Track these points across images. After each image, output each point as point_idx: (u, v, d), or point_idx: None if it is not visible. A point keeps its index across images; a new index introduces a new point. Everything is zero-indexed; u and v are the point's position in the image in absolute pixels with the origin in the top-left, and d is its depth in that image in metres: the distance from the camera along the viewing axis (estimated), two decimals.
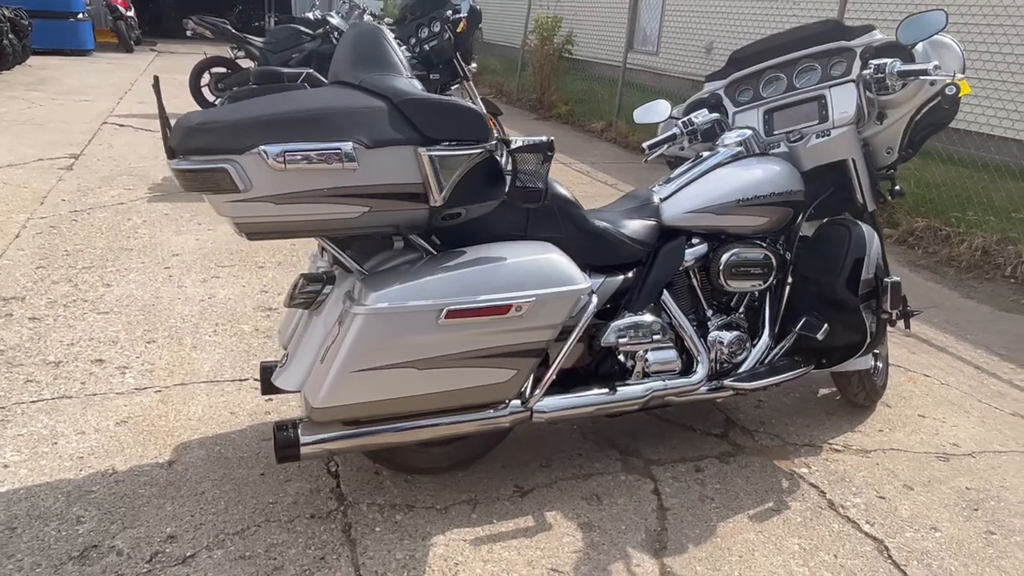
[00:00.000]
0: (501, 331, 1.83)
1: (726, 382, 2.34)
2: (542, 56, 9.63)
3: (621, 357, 2.21)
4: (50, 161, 5.48)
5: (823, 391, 2.94)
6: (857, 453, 2.52)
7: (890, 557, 2.03)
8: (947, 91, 2.25)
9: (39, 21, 11.17)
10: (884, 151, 2.50)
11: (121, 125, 7.05)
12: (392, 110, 1.67)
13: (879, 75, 2.31)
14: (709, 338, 2.34)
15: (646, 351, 2.21)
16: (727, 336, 2.35)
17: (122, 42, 13.94)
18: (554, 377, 2.05)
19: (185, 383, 2.63)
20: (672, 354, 2.25)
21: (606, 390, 2.16)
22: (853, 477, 2.38)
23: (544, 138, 1.81)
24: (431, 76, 5.60)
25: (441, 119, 1.69)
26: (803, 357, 2.48)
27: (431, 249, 1.93)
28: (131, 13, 14.33)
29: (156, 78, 1.61)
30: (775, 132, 2.51)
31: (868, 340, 2.36)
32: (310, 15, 7.85)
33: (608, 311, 2.22)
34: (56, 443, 2.23)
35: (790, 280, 2.47)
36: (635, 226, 2.25)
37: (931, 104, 2.35)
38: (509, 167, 1.82)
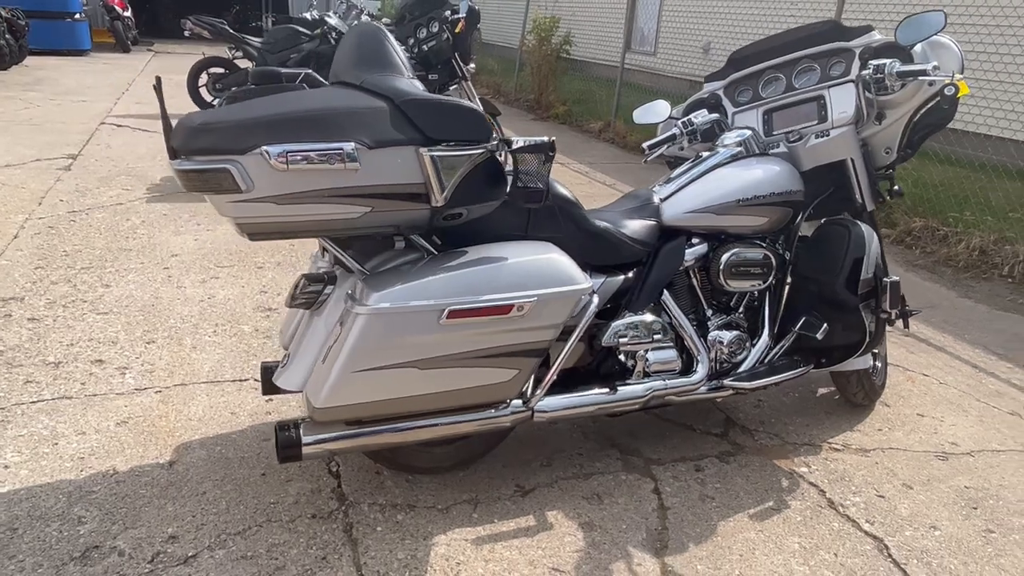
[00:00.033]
0: (503, 331, 1.84)
1: (726, 381, 2.34)
2: (540, 56, 9.64)
3: (622, 357, 2.22)
4: (48, 161, 5.47)
5: (822, 390, 2.95)
6: (856, 452, 2.53)
7: (890, 556, 2.04)
8: (946, 91, 2.26)
9: (36, 21, 11.15)
10: (883, 151, 2.50)
11: (119, 125, 7.04)
12: (394, 110, 1.67)
13: (878, 75, 2.32)
14: (709, 338, 2.35)
15: (646, 351, 2.22)
16: (727, 336, 2.36)
17: (119, 42, 13.92)
18: (555, 377, 2.06)
19: (185, 383, 2.63)
20: (672, 354, 2.26)
21: (607, 390, 2.17)
22: (853, 476, 2.39)
23: (545, 138, 1.82)
24: (429, 76, 5.60)
25: (443, 119, 1.70)
26: (803, 357, 2.48)
27: (432, 249, 1.94)
28: (128, 13, 14.30)
29: (158, 79, 1.61)
30: (774, 132, 2.52)
31: (867, 340, 2.37)
32: (307, 15, 7.85)
33: (608, 311, 2.22)
34: (57, 444, 2.23)
35: (789, 280, 2.48)
36: (635, 226, 2.25)
37: (930, 104, 2.35)
38: (510, 167, 1.83)
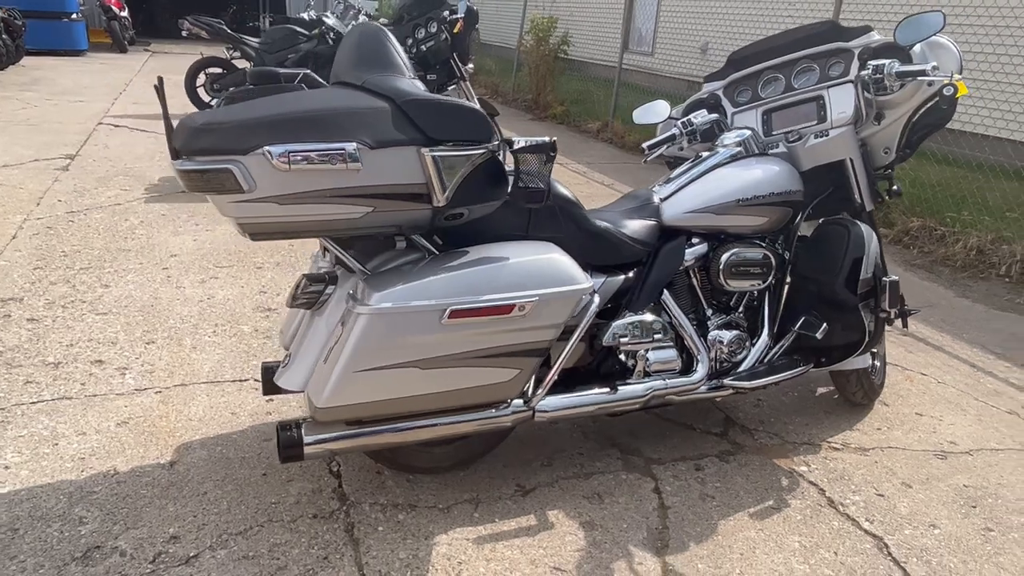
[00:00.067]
0: (504, 331, 1.84)
1: (726, 381, 2.35)
2: (538, 57, 9.65)
3: (622, 356, 2.22)
4: (46, 162, 5.46)
5: (821, 390, 2.96)
6: (856, 451, 2.54)
7: (890, 554, 2.05)
8: (945, 91, 2.27)
9: (32, 21, 11.13)
10: (882, 151, 2.51)
11: (116, 126, 7.03)
12: (395, 111, 1.67)
13: (877, 76, 2.33)
14: (709, 337, 2.36)
15: (647, 350, 2.22)
16: (727, 335, 2.37)
17: (116, 42, 13.90)
18: (556, 377, 2.06)
19: (185, 384, 2.63)
20: (672, 353, 2.26)
21: (607, 389, 2.17)
22: (852, 475, 2.40)
23: (546, 138, 1.82)
24: (428, 77, 5.61)
25: (444, 120, 1.70)
26: (802, 356, 2.49)
27: (433, 249, 1.94)
28: (125, 13, 14.29)
29: (160, 79, 1.61)
30: (774, 132, 2.53)
31: (867, 339, 2.38)
32: (305, 15, 7.85)
33: (609, 311, 2.23)
34: (57, 444, 2.23)
35: (789, 279, 2.48)
36: (635, 226, 2.26)
37: (929, 104, 2.36)
38: (511, 167, 1.83)
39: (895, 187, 2.60)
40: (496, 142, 1.76)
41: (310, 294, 1.89)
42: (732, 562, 1.97)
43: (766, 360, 2.45)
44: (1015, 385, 3.14)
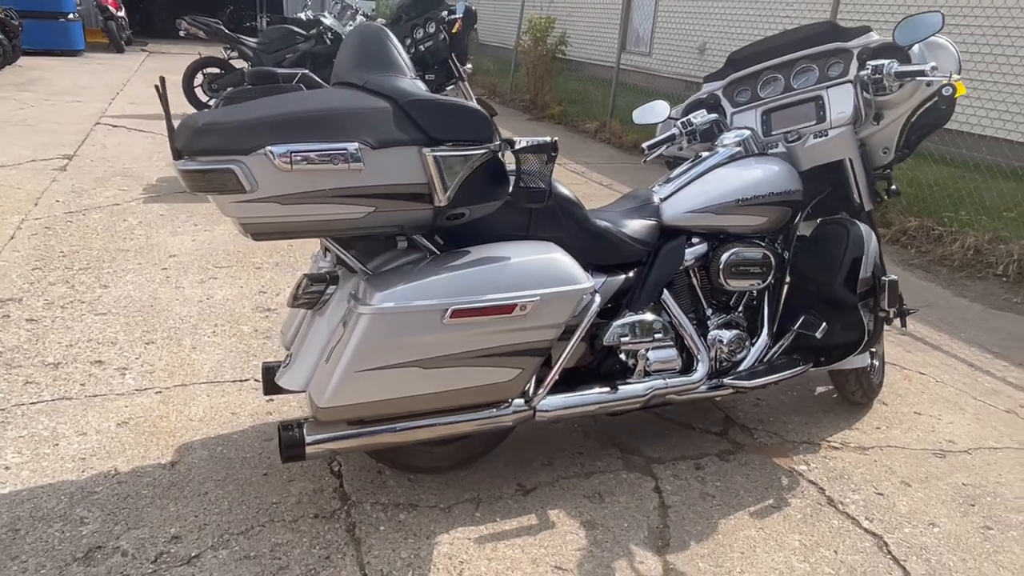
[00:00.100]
0: (505, 330, 1.84)
1: (726, 380, 2.35)
2: (535, 57, 9.65)
3: (622, 356, 2.22)
4: (43, 162, 5.45)
5: (820, 389, 2.97)
6: (855, 450, 2.55)
7: (889, 553, 2.05)
8: (944, 92, 2.28)
9: (29, 21, 11.10)
10: (881, 151, 2.52)
11: (114, 126, 7.02)
12: (397, 111, 1.68)
13: (876, 76, 2.33)
14: (709, 337, 2.36)
15: (647, 350, 2.23)
16: (726, 335, 2.37)
17: (113, 42, 13.88)
18: (557, 376, 2.06)
19: (185, 384, 2.63)
20: (673, 353, 2.27)
21: (608, 389, 2.17)
22: (852, 474, 2.40)
23: (548, 138, 1.83)
24: (426, 77, 5.61)
25: (446, 120, 1.70)
26: (802, 355, 2.50)
27: (434, 249, 1.94)
28: (122, 13, 14.26)
29: (162, 79, 1.61)
30: (773, 132, 2.53)
31: (866, 338, 2.39)
32: (302, 15, 7.85)
33: (609, 310, 2.23)
34: (57, 444, 2.23)
35: (788, 279, 2.49)
36: (636, 226, 2.26)
37: (927, 104, 2.37)
38: (512, 167, 1.83)
39: (894, 187, 2.61)
40: (497, 142, 1.76)
41: (311, 294, 1.89)
42: (733, 560, 1.98)
43: (766, 359, 2.46)
44: (1013, 384, 3.15)
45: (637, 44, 11.59)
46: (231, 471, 2.17)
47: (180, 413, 2.45)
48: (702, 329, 2.37)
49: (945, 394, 3.01)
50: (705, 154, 2.49)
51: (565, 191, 2.10)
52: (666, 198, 2.36)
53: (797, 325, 2.44)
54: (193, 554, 1.84)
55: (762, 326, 2.46)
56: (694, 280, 2.39)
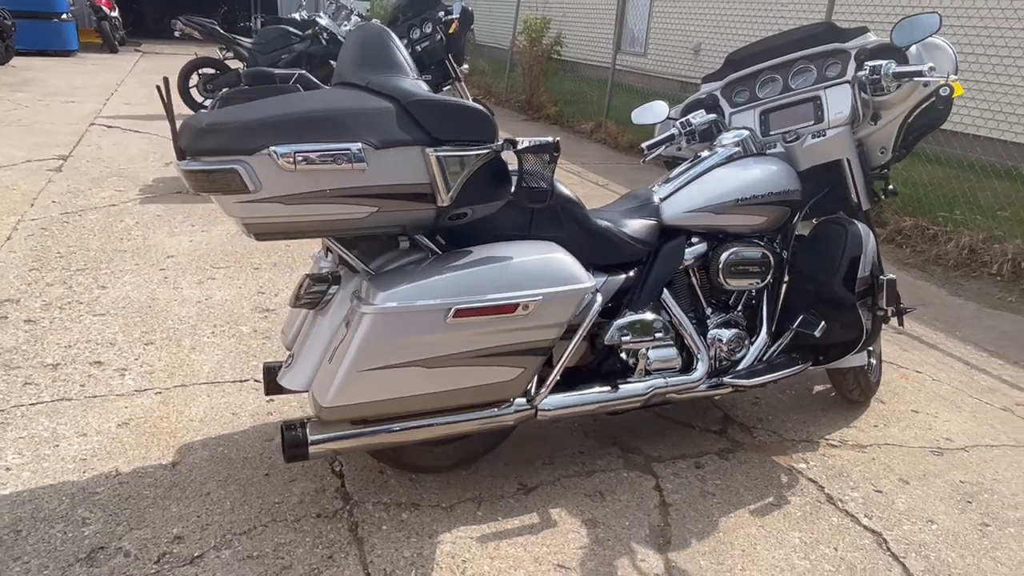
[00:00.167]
0: (508, 330, 1.85)
1: (725, 379, 2.37)
2: (531, 57, 9.66)
3: (623, 355, 2.23)
4: (38, 163, 5.43)
5: (818, 388, 2.98)
6: (853, 448, 2.56)
7: (889, 549, 2.07)
8: (941, 92, 2.30)
9: (22, 21, 11.06)
10: (878, 151, 2.54)
11: (109, 126, 7.00)
12: (400, 111, 1.68)
13: (874, 76, 2.35)
14: (708, 336, 2.37)
15: (647, 349, 2.24)
16: (726, 334, 2.38)
17: (106, 43, 13.83)
18: (559, 376, 2.07)
19: (185, 384, 2.63)
20: (673, 352, 2.28)
21: (608, 388, 2.18)
22: (850, 472, 2.42)
23: (550, 139, 1.84)
24: (423, 77, 5.62)
25: (448, 120, 1.71)
26: (800, 354, 2.51)
27: (436, 249, 1.95)
28: (115, 13, 14.21)
29: (165, 80, 1.62)
30: (771, 132, 2.55)
31: (864, 337, 2.41)
32: (297, 16, 7.84)
33: (609, 310, 2.24)
34: (58, 445, 2.23)
35: (787, 278, 2.50)
36: (636, 225, 2.27)
37: (925, 105, 2.39)
38: (514, 167, 1.84)
39: (891, 186, 2.63)
40: (500, 142, 1.77)
41: (313, 294, 1.89)
42: (734, 558, 1.99)
43: (765, 358, 2.47)
44: (1008, 382, 3.17)
45: (632, 44, 11.62)
46: (233, 471, 2.17)
47: (180, 414, 2.45)
48: (702, 328, 2.38)
49: (942, 392, 3.03)
50: (704, 154, 2.50)
51: (566, 191, 2.10)
52: (666, 198, 2.37)
53: (796, 324, 2.45)
54: (196, 554, 1.84)
55: (761, 325, 2.47)
56: (694, 279, 2.40)
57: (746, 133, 2.51)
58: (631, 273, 2.26)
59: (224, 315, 3.20)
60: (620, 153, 7.75)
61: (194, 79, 7.75)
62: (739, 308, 2.48)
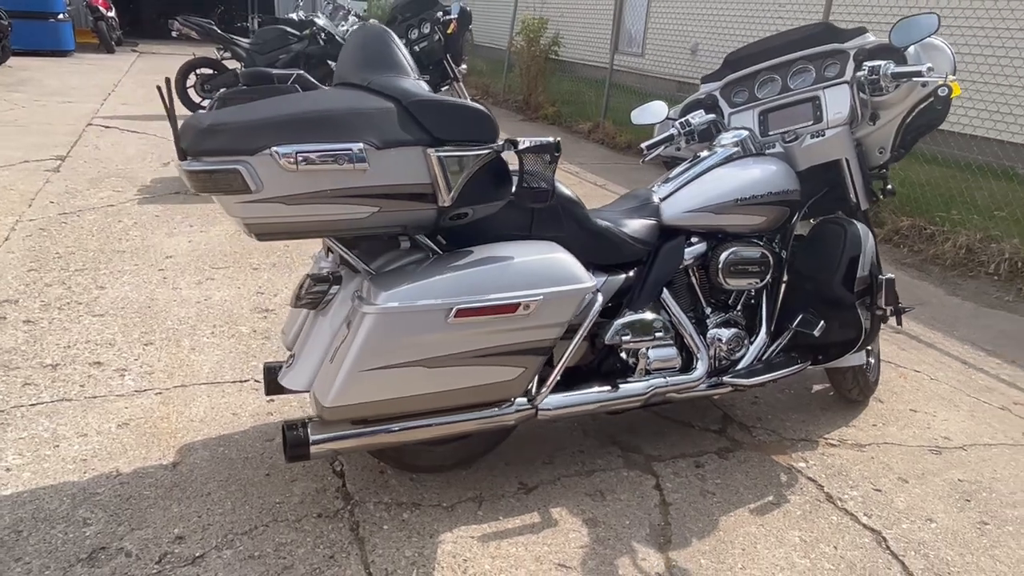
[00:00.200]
0: (509, 329, 1.85)
1: (725, 378, 2.37)
2: (529, 57, 9.67)
3: (623, 355, 2.24)
4: (36, 163, 5.42)
5: (817, 387, 2.99)
6: (852, 447, 2.57)
7: (888, 548, 2.08)
8: (939, 92, 2.31)
9: (18, 21, 11.03)
10: (877, 151, 2.55)
11: (106, 127, 6.99)
12: (401, 111, 1.69)
13: (873, 76, 2.36)
14: (708, 335, 2.38)
15: (647, 349, 2.24)
16: (725, 333, 2.39)
17: (103, 43, 13.80)
18: (559, 376, 2.08)
19: (185, 385, 2.63)
20: (673, 351, 2.28)
21: (609, 387, 2.19)
22: (849, 471, 2.43)
23: (551, 139, 1.84)
24: (422, 77, 5.62)
25: (449, 120, 1.71)
26: (799, 353, 2.52)
27: (437, 249, 1.95)
28: (112, 13, 14.18)
29: (167, 80, 1.62)
30: (770, 133, 2.55)
31: (863, 336, 2.42)
32: (294, 16, 7.83)
33: (609, 309, 2.25)
34: (58, 446, 2.22)
35: (786, 278, 2.51)
36: (636, 225, 2.28)
37: (923, 105, 2.40)
38: (514, 167, 1.84)
39: (889, 186, 2.64)
40: (501, 142, 1.77)
41: (314, 294, 1.89)
42: (734, 557, 1.99)
43: (764, 358, 2.48)
44: (1006, 381, 3.19)
45: (630, 45, 11.63)
46: (233, 471, 2.17)
47: (181, 414, 2.45)
48: (701, 328, 2.39)
49: (940, 391, 3.04)
50: (703, 154, 2.51)
51: (567, 191, 2.11)
52: (665, 198, 2.37)
53: (795, 323, 2.46)
54: (197, 554, 1.84)
55: (760, 325, 2.48)
56: (693, 279, 2.41)
57: (745, 133, 2.51)
58: (631, 273, 2.26)
59: (223, 315, 3.19)
60: (618, 153, 7.75)
61: (191, 79, 7.74)
62: (738, 308, 2.49)
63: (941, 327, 3.74)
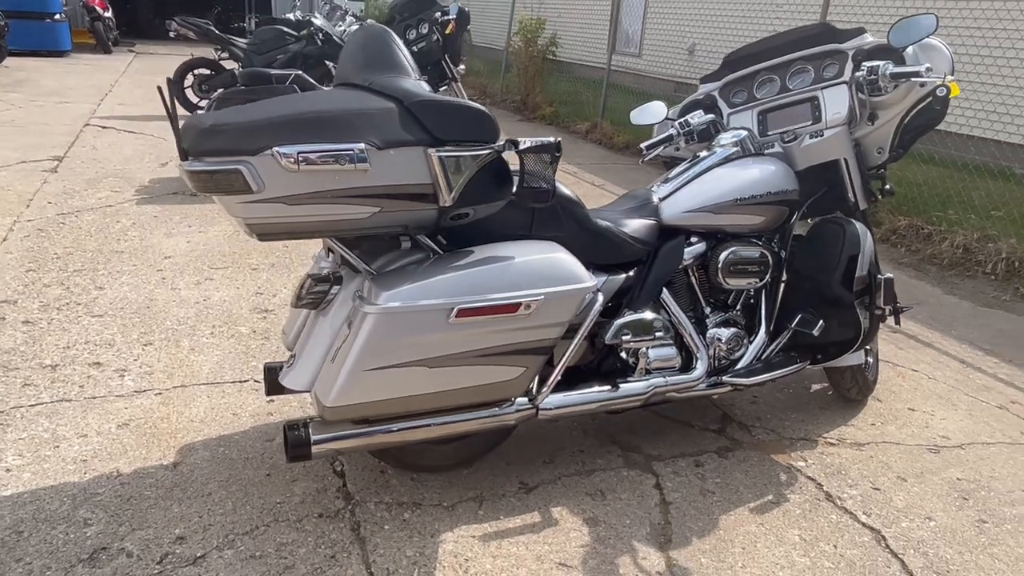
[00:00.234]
0: (510, 329, 1.86)
1: (724, 378, 2.38)
2: (526, 58, 9.68)
3: (623, 354, 2.24)
4: (33, 163, 5.41)
5: (816, 386, 3.00)
6: (851, 446, 2.58)
7: (887, 546, 2.08)
8: (938, 92, 2.32)
9: (15, 22, 11.01)
10: (875, 151, 2.56)
11: (103, 127, 6.97)
12: (402, 111, 1.69)
13: (871, 77, 2.37)
14: (708, 335, 2.39)
15: (647, 348, 2.25)
16: (725, 333, 2.40)
17: (100, 43, 13.76)
18: (560, 375, 2.08)
19: (185, 385, 2.63)
20: (672, 351, 2.29)
21: (609, 387, 2.19)
22: (848, 470, 2.43)
23: (551, 139, 1.84)
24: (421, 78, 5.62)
25: (450, 120, 1.72)
26: (798, 353, 2.53)
27: (437, 249, 1.95)
28: (109, 14, 14.15)
29: (168, 81, 1.63)
30: (769, 133, 2.56)
31: (862, 335, 2.42)
32: (292, 16, 7.83)
33: (609, 309, 2.25)
34: (58, 446, 2.22)
35: (785, 277, 2.52)
36: (636, 225, 2.28)
37: (921, 105, 2.41)
38: (515, 167, 1.85)
39: (888, 186, 2.64)
40: (501, 142, 1.78)
41: (315, 294, 1.89)
42: (734, 556, 2.00)
43: (763, 357, 2.48)
44: (1003, 380, 3.20)
45: (627, 45, 11.64)
46: (234, 471, 2.17)
47: (181, 414, 2.44)
48: (701, 327, 2.40)
49: (938, 391, 3.05)
50: (703, 154, 2.51)
51: (567, 191, 2.11)
52: (665, 198, 2.38)
53: (794, 323, 2.47)
54: (199, 554, 1.84)
55: (760, 324, 2.49)
56: (693, 279, 2.41)
57: (744, 133, 2.52)
58: (631, 273, 2.27)
59: (223, 316, 3.19)
60: (616, 153, 7.76)
61: (189, 79, 7.72)
62: (738, 307, 2.50)
63: (939, 326, 3.75)
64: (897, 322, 2.69)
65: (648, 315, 2.24)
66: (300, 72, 5.02)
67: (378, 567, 1.85)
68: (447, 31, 5.53)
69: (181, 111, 7.16)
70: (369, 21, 8.40)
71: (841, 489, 2.33)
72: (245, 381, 2.68)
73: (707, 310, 2.44)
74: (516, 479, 2.26)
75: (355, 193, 1.65)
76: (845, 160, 2.49)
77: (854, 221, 2.47)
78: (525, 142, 1.81)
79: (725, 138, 2.52)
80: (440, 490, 2.17)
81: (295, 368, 1.90)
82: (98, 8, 13.65)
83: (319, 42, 7.22)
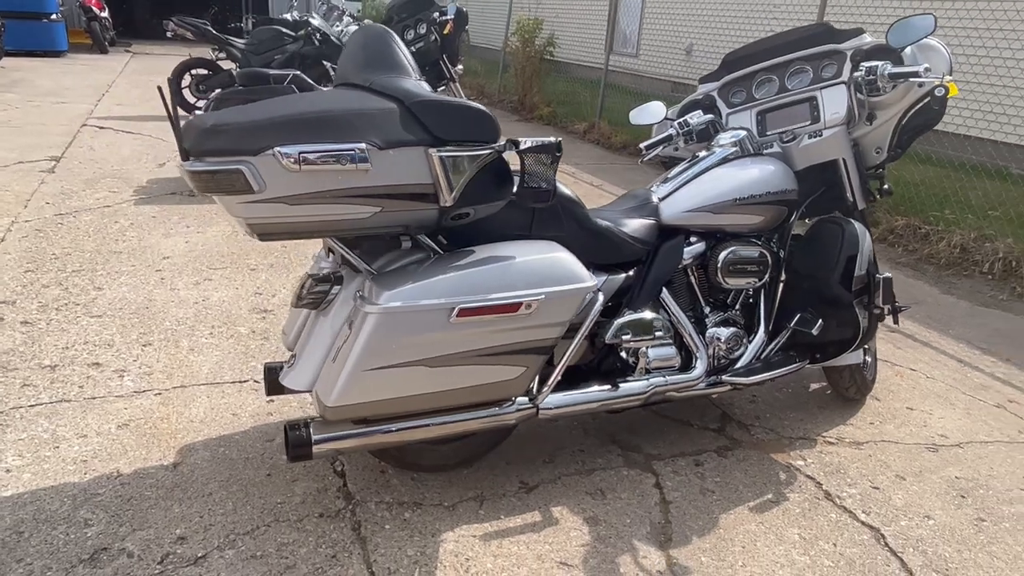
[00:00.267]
0: (511, 329, 1.86)
1: (724, 377, 2.39)
2: (524, 58, 9.68)
3: (623, 354, 2.25)
4: (30, 164, 5.41)
5: (814, 386, 3.01)
6: (850, 445, 2.59)
7: (887, 545, 2.09)
8: (936, 92, 2.33)
9: (11, 22, 11.00)
10: (873, 151, 2.56)
11: (101, 127, 6.96)
12: (403, 111, 1.69)
13: (870, 77, 2.37)
14: (707, 335, 2.39)
15: (647, 348, 2.25)
16: (724, 332, 2.40)
17: (96, 43, 13.74)
18: (560, 375, 2.08)
19: (185, 385, 2.62)
20: (672, 351, 2.29)
21: (609, 386, 2.20)
22: (847, 468, 2.44)
23: (552, 139, 1.85)
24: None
25: (451, 120, 1.72)
26: (797, 352, 2.54)
27: (438, 249, 1.95)
28: (105, 14, 14.13)
29: (169, 81, 1.63)
30: (768, 133, 2.57)
31: (861, 335, 2.43)
32: (289, 16, 7.82)
33: (609, 309, 2.25)
34: (58, 447, 2.22)
35: (784, 277, 2.52)
36: (635, 225, 2.29)
37: (920, 105, 2.42)
38: (516, 167, 1.85)
39: (886, 186, 2.65)
40: (502, 142, 1.78)
41: (316, 294, 1.89)
42: (734, 555, 2.01)
43: (762, 356, 2.49)
44: (1001, 379, 3.21)
45: (624, 45, 11.65)
46: (234, 471, 2.17)
47: (181, 415, 2.44)
48: (700, 327, 2.40)
49: (936, 390, 3.06)
50: (702, 154, 2.52)
51: (567, 191, 2.12)
52: (664, 198, 2.38)
53: (793, 322, 2.47)
54: (200, 554, 1.84)
55: (759, 324, 2.49)
56: (692, 279, 2.42)
57: (743, 133, 2.53)
58: (631, 272, 2.27)
59: (222, 316, 3.19)
60: (613, 153, 7.77)
61: (187, 80, 7.71)
62: (737, 307, 2.50)
63: (936, 326, 3.76)
64: (895, 321, 2.70)
65: (648, 315, 2.25)
66: (298, 72, 5.02)
67: (379, 567, 1.86)
68: (445, 31, 5.53)
69: (180, 111, 7.16)
70: (366, 21, 8.40)
71: (840, 488, 2.33)
72: (245, 381, 2.68)
73: (706, 310, 2.44)
74: (516, 478, 2.26)
75: (356, 193, 1.65)
76: (844, 160, 2.49)
77: (853, 221, 2.47)
78: (526, 142, 1.81)
79: (724, 138, 2.53)
80: (441, 490, 2.17)
81: (295, 368, 1.90)
82: (94, 8, 13.63)
83: (316, 42, 7.22)
